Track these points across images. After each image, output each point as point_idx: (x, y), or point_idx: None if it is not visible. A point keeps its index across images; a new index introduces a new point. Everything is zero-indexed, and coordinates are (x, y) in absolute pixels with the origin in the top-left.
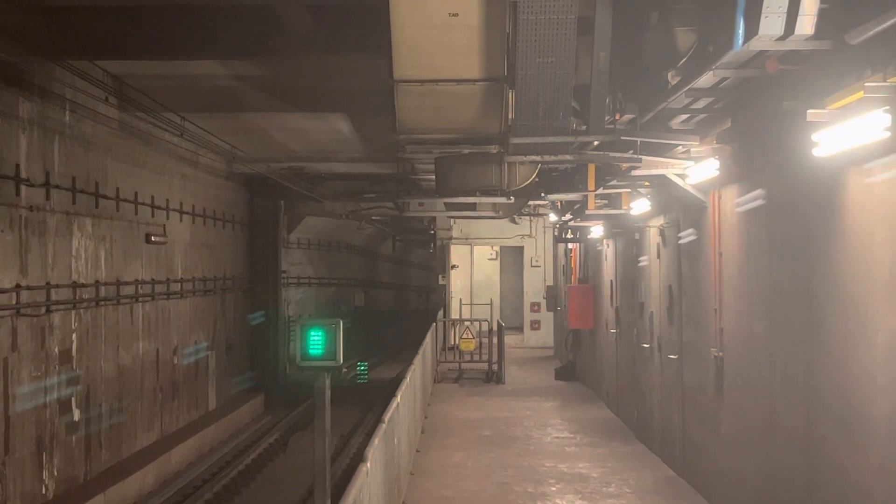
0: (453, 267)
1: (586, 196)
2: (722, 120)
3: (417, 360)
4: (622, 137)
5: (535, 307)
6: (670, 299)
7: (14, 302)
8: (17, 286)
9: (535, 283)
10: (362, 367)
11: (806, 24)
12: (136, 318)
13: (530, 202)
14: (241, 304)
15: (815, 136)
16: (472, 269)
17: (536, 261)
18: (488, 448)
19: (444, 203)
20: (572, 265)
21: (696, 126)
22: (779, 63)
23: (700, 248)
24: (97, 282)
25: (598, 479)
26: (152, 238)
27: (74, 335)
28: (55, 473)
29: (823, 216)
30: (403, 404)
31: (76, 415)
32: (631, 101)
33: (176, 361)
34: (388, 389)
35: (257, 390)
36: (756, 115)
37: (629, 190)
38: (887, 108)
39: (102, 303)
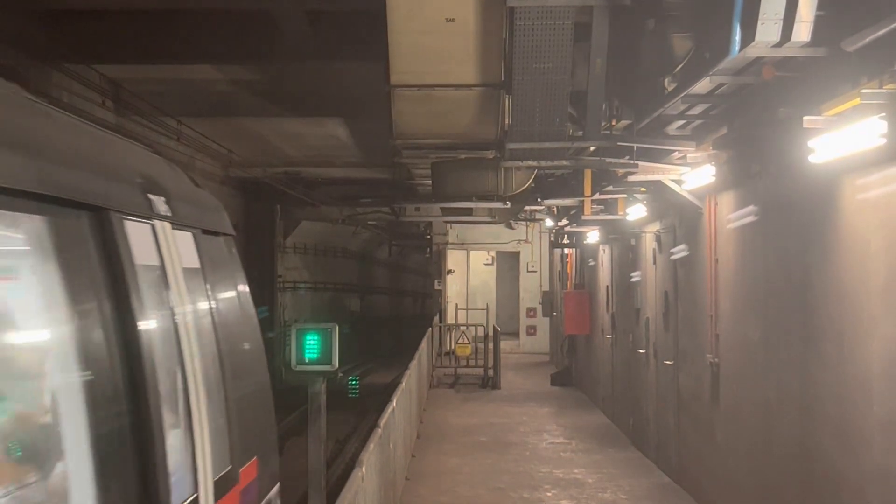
0: (449, 272)
1: (582, 201)
2: (718, 126)
3: (413, 365)
4: (618, 143)
5: (531, 313)
6: (666, 305)
7: None
8: None
9: (531, 289)
10: (353, 382)
11: (802, 30)
12: None
13: (526, 207)
14: None
15: (811, 143)
16: (469, 275)
17: (532, 266)
18: (484, 453)
19: (441, 208)
20: (568, 271)
21: (693, 132)
22: (775, 70)
23: (696, 254)
24: None
25: (593, 485)
26: None
27: None
28: None
29: (819, 223)
30: (399, 409)
31: None
32: (627, 107)
33: None
34: (384, 395)
35: None
36: (752, 122)
37: (625, 196)
38: (883, 114)
39: None
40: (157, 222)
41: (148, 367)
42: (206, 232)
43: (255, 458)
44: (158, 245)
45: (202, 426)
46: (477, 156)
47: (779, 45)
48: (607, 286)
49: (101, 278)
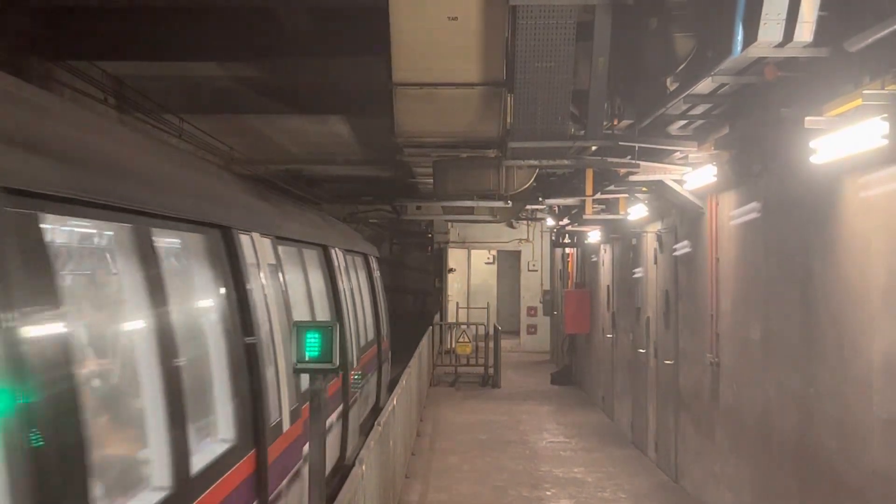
0: (450, 270)
1: (584, 201)
2: (720, 126)
3: (413, 363)
4: (620, 143)
5: (531, 311)
6: (667, 305)
7: None
8: None
9: (531, 288)
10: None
11: (805, 31)
12: None
13: (528, 206)
14: None
15: (812, 144)
16: (469, 273)
17: (533, 265)
18: (484, 452)
19: (442, 207)
20: (569, 270)
21: (694, 132)
22: (777, 70)
23: (697, 253)
24: None
25: (592, 484)
26: None
27: None
28: None
29: (820, 223)
30: (399, 407)
31: None
32: (629, 107)
33: None
34: (384, 392)
35: None
36: (754, 122)
37: (627, 195)
38: (885, 115)
39: None
40: (371, 256)
41: (380, 303)
42: (375, 257)
43: (385, 336)
44: (372, 263)
45: (382, 320)
46: (478, 154)
47: (781, 45)
48: (608, 285)
49: (365, 276)
